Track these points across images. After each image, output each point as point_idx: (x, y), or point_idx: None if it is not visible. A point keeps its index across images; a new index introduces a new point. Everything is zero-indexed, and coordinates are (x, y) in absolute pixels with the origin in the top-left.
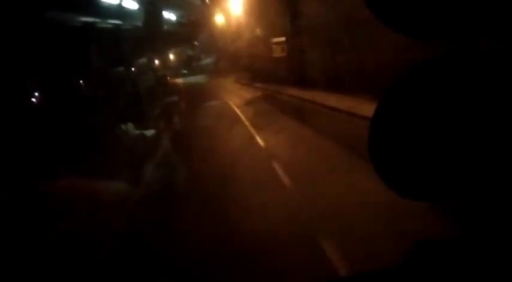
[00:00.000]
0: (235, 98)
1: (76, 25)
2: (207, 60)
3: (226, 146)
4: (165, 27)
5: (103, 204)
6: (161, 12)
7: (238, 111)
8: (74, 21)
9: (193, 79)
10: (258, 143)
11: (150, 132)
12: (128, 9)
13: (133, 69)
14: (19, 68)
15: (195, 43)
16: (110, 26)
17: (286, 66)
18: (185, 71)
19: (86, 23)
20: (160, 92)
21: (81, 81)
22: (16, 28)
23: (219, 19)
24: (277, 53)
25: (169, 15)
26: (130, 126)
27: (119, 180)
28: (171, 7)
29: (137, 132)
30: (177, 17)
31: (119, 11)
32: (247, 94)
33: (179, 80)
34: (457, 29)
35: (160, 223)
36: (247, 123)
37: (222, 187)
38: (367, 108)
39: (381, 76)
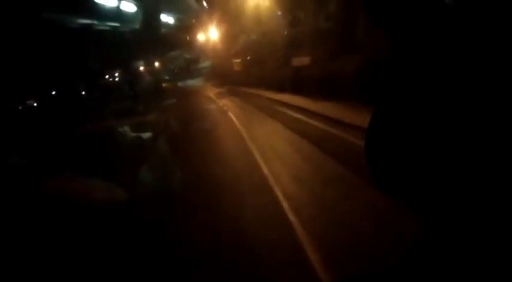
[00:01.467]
0: (211, 92)
1: (73, 27)
2: (204, 64)
3: (204, 108)
4: (163, 30)
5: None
6: (159, 15)
7: (212, 96)
8: (71, 23)
9: (190, 82)
10: (218, 104)
11: (146, 135)
12: (126, 11)
13: (130, 71)
14: (15, 69)
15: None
16: (107, 28)
17: (241, 76)
18: (181, 75)
19: (83, 25)
20: (159, 95)
21: (78, 83)
22: (13, 29)
23: (209, 33)
24: (238, 67)
25: (167, 19)
26: (127, 129)
27: (112, 183)
28: (169, 10)
29: (134, 134)
30: (175, 20)
31: (117, 14)
32: (219, 90)
33: (177, 83)
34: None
35: (150, 227)
36: (215, 99)
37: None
38: (267, 93)
39: (282, 81)
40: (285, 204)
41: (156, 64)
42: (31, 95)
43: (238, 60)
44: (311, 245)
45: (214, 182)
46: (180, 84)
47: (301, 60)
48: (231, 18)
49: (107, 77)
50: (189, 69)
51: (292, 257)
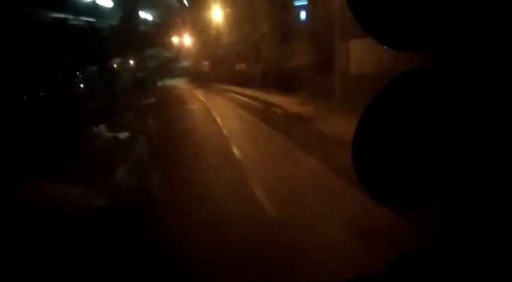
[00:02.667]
0: (187, 86)
1: (46, 21)
2: (184, 64)
3: (184, 96)
4: (142, 27)
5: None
6: (137, 12)
7: (187, 89)
8: (43, 17)
9: (170, 81)
10: (195, 94)
11: (123, 135)
12: (103, 6)
13: (107, 69)
14: None
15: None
16: (82, 23)
17: (209, 75)
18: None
19: (56, 19)
20: (137, 94)
21: (50, 80)
22: None
23: (185, 37)
24: (206, 68)
25: (145, 15)
26: (102, 128)
27: (83, 187)
28: (148, 7)
29: (110, 134)
30: (154, 17)
31: (93, 9)
32: (193, 85)
33: (157, 81)
34: (438, 41)
35: (121, 238)
36: (191, 90)
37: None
38: (222, 85)
39: (231, 79)
40: (221, 124)
41: (134, 62)
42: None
43: (206, 63)
44: (226, 132)
45: (188, 121)
46: (159, 83)
47: (241, 66)
48: (200, 30)
49: (81, 74)
50: (169, 68)
51: (216, 129)
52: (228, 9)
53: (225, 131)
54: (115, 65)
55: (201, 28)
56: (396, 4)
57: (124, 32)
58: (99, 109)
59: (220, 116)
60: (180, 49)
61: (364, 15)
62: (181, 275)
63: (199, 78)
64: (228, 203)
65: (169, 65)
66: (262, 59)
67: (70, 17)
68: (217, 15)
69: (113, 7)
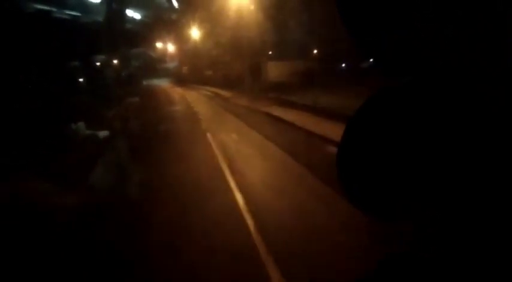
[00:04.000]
0: (168, 85)
1: (28, 12)
2: (171, 64)
3: (168, 90)
4: (129, 25)
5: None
6: (125, 9)
7: (167, 87)
8: (25, 8)
9: (155, 81)
10: (176, 89)
11: (103, 133)
12: (89, 2)
13: (90, 65)
14: None
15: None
16: (67, 17)
17: (188, 77)
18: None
19: (39, 10)
20: (121, 92)
21: (29, 75)
22: None
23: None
24: (185, 71)
25: (133, 14)
26: (81, 126)
27: (58, 185)
28: (136, 5)
29: (88, 132)
30: (142, 16)
31: (79, 2)
32: (172, 85)
33: (141, 81)
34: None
35: (93, 238)
36: (171, 87)
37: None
38: (196, 85)
39: (204, 80)
40: (189, 100)
41: (119, 60)
42: None
43: (186, 67)
44: (200, 115)
45: (171, 99)
46: (144, 82)
47: (208, 72)
48: (183, 40)
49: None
50: (155, 68)
51: (186, 101)
52: (201, 30)
53: (189, 101)
54: (99, 62)
55: (184, 38)
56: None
57: (109, 29)
58: (78, 106)
59: (189, 97)
60: (165, 51)
61: (364, 44)
62: None
63: (179, 79)
64: (186, 116)
65: (155, 65)
66: (220, 67)
67: (54, 9)
68: (194, 32)
69: (100, 3)
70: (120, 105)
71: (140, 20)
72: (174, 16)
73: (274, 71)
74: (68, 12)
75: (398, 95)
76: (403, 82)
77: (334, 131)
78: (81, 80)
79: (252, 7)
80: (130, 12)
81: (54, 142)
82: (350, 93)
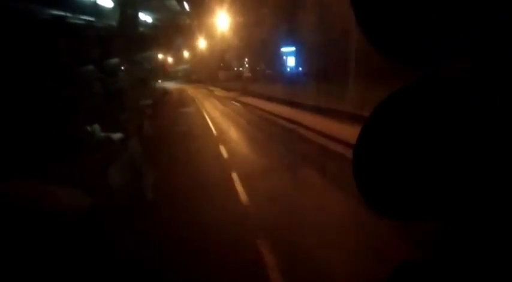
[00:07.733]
0: (178, 86)
1: (44, 18)
2: (183, 67)
3: (179, 89)
4: (141, 29)
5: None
6: (137, 13)
7: (181, 87)
8: (42, 14)
9: (167, 84)
10: (186, 90)
11: (117, 136)
12: (103, 6)
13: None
14: None
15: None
16: (81, 22)
17: (199, 78)
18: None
19: (55, 16)
20: (135, 95)
21: (45, 78)
22: None
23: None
24: (196, 74)
25: (145, 17)
26: (96, 128)
27: (73, 187)
28: (148, 9)
29: (103, 134)
30: (154, 19)
31: (93, 8)
32: (184, 86)
33: (154, 83)
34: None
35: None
36: (186, 88)
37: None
38: (206, 85)
39: (212, 81)
40: (191, 95)
41: (131, 64)
42: None
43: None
44: (194, 97)
45: (180, 96)
46: (156, 85)
47: (221, 74)
48: (192, 47)
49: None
50: (166, 70)
51: (189, 96)
52: (208, 40)
53: (191, 94)
54: (112, 65)
55: (194, 45)
56: (401, 22)
57: (123, 33)
58: (93, 109)
59: (192, 92)
60: (177, 53)
61: (372, 33)
62: None
63: (190, 80)
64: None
65: (168, 67)
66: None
67: (69, 15)
68: (202, 43)
69: (113, 7)
70: (133, 108)
71: (152, 24)
72: (185, 19)
73: (222, 75)
74: (82, 17)
75: (406, 100)
76: (408, 87)
77: (253, 101)
78: (95, 83)
79: (227, 32)
80: (142, 16)
81: (72, 144)
82: (269, 86)
